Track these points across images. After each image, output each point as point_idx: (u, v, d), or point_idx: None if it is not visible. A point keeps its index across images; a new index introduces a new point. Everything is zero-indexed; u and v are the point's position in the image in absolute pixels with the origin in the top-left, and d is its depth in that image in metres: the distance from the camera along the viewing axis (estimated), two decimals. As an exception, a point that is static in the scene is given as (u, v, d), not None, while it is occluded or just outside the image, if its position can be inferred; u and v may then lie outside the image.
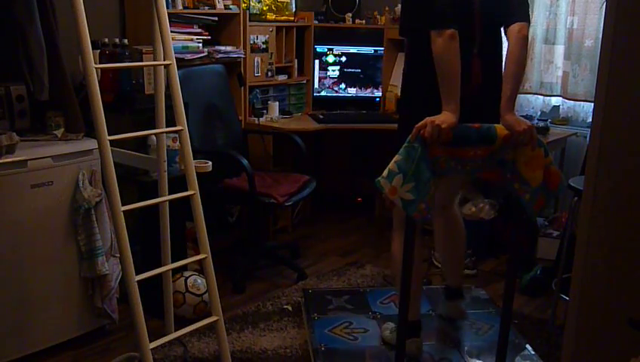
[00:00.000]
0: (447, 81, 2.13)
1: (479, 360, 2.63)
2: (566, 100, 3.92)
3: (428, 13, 2.16)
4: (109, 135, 2.08)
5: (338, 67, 4.43)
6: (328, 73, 4.43)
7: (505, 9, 2.27)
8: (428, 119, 2.02)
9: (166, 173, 2.58)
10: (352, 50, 4.42)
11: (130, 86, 2.99)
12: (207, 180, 2.83)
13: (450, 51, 2.11)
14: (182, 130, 2.29)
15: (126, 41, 3.00)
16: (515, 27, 2.23)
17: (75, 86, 2.84)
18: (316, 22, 4.39)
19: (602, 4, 3.53)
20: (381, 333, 2.78)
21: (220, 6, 3.71)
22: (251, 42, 3.93)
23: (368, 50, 4.44)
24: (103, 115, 2.07)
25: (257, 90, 4.03)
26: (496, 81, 2.27)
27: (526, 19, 2.26)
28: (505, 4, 2.27)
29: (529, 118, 3.84)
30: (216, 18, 3.72)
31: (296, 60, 4.33)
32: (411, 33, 2.38)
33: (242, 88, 3.92)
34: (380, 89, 4.45)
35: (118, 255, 2.48)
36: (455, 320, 2.90)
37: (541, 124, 3.81)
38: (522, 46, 2.22)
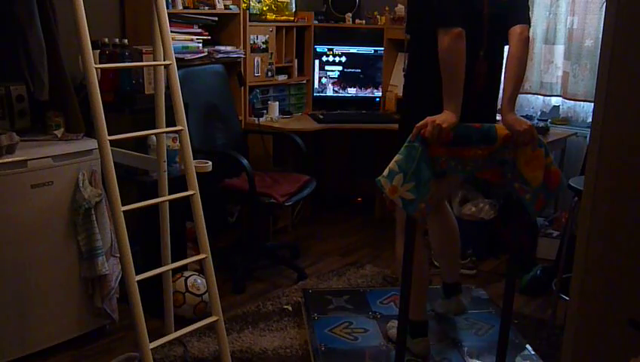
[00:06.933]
0: (451, 81, 2.13)
1: (479, 360, 2.63)
2: (566, 100, 3.92)
3: (435, 10, 2.17)
4: (109, 135, 2.08)
5: (338, 67, 4.43)
6: (328, 73, 4.43)
7: (509, 11, 2.28)
8: (428, 118, 2.03)
9: (166, 173, 2.58)
10: (352, 50, 4.42)
11: (130, 86, 2.99)
12: (207, 180, 2.83)
13: (456, 50, 2.11)
14: (182, 130, 2.29)
15: (126, 41, 3.00)
16: (516, 29, 2.25)
17: (75, 86, 2.84)
18: (316, 22, 4.39)
19: (602, 4, 3.53)
20: (387, 331, 2.78)
21: (219, 6, 3.71)
22: (251, 42, 3.93)
23: (368, 50, 4.43)
24: (102, 115, 2.07)
25: (257, 90, 4.03)
26: (498, 83, 2.27)
27: (527, 21, 2.29)
28: (510, 7, 2.29)
29: (529, 118, 3.84)
30: (216, 18, 3.72)
31: (296, 60, 4.33)
32: (417, 32, 2.37)
33: (242, 88, 3.92)
34: (380, 89, 4.45)
35: (118, 255, 2.48)
36: (454, 315, 2.88)
37: (541, 124, 3.81)
38: (524, 47, 2.24)
